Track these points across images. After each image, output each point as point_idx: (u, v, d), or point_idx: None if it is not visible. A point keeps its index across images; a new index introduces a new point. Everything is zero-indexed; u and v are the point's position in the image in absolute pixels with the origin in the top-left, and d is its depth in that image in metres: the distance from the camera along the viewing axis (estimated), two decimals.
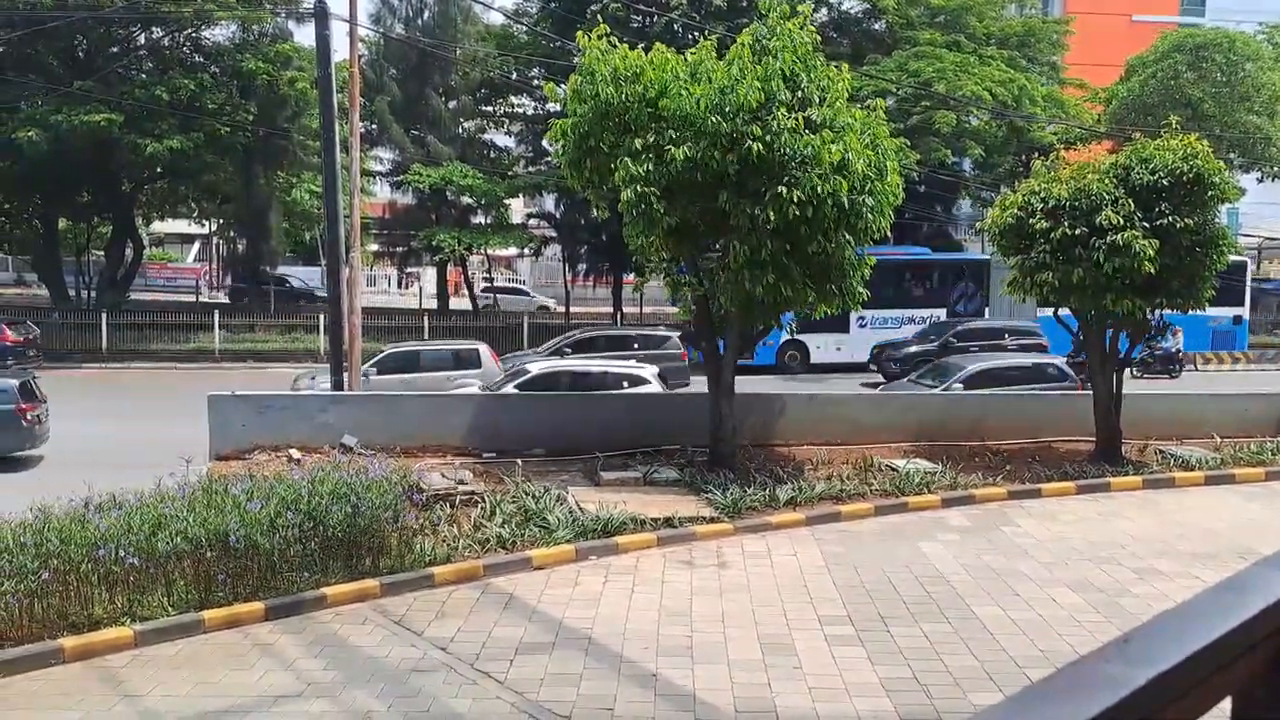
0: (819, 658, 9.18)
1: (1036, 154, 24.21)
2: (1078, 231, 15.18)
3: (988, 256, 34.40)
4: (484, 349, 22.76)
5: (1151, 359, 30.19)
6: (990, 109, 34.04)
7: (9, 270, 56.36)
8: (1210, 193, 15.47)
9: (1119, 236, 14.72)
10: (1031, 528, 13.71)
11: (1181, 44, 39.45)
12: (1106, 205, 15.08)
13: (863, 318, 29.35)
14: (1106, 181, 15.55)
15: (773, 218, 12.98)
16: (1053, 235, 15.34)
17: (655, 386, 18.45)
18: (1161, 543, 13.08)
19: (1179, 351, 30.18)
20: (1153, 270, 14.82)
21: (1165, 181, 15.27)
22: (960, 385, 18.94)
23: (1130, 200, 15.15)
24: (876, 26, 39.80)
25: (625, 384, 18.33)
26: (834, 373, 29.14)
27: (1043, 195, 15.82)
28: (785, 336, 29.79)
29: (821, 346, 30.16)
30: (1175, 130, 16.19)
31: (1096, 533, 13.53)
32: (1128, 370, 28.80)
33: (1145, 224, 15.02)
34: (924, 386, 19.60)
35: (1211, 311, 32.46)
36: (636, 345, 24.77)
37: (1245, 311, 33.47)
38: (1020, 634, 9.79)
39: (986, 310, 32.76)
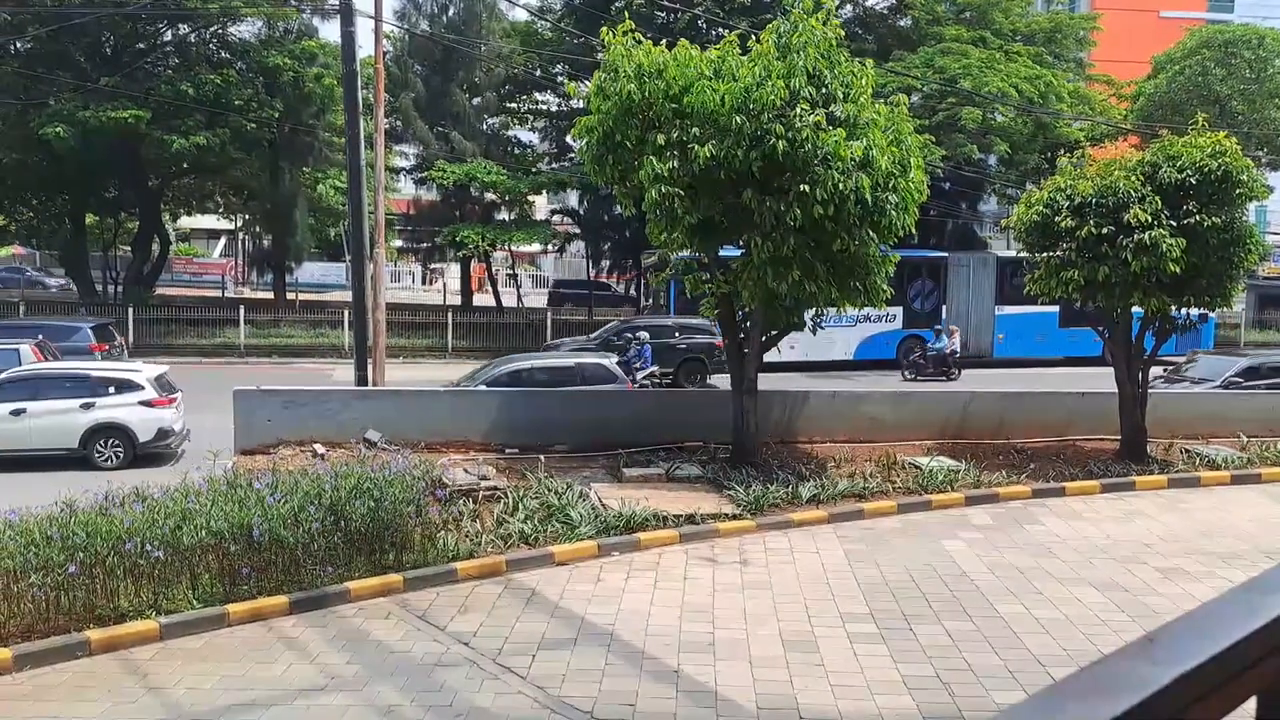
0: (841, 655, 9.16)
1: (1063, 151, 24.08)
2: (1104, 229, 15.07)
3: (945, 254, 34.00)
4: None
5: (924, 360, 28.76)
6: (1016, 105, 33.82)
7: (36, 265, 56.96)
8: (1238, 190, 15.30)
9: (1146, 235, 14.60)
10: (1055, 526, 13.63)
11: (1209, 40, 39.10)
12: (1133, 203, 14.96)
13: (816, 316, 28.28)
14: (1133, 179, 15.42)
15: (799, 215, 12.95)
16: (1078, 233, 15.23)
17: (150, 394, 16.53)
18: (1187, 542, 12.97)
19: (954, 353, 28.79)
20: (1178, 269, 14.69)
21: (1193, 179, 15.12)
22: (484, 385, 17.70)
23: (1157, 198, 15.02)
24: (902, 23, 39.64)
25: (112, 389, 16.42)
26: (774, 371, 26.39)
27: (1068, 193, 15.71)
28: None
29: None
30: (1203, 127, 16.03)
31: (1121, 532, 13.44)
32: (900, 374, 27.51)
33: (1172, 222, 14.89)
34: (466, 384, 18.30)
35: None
36: (42, 335, 22.51)
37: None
38: (1044, 633, 9.73)
39: (944, 308, 32.21)
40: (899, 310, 30.78)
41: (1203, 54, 38.68)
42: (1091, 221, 15.14)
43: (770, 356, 28.80)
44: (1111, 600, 10.71)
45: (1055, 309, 32.28)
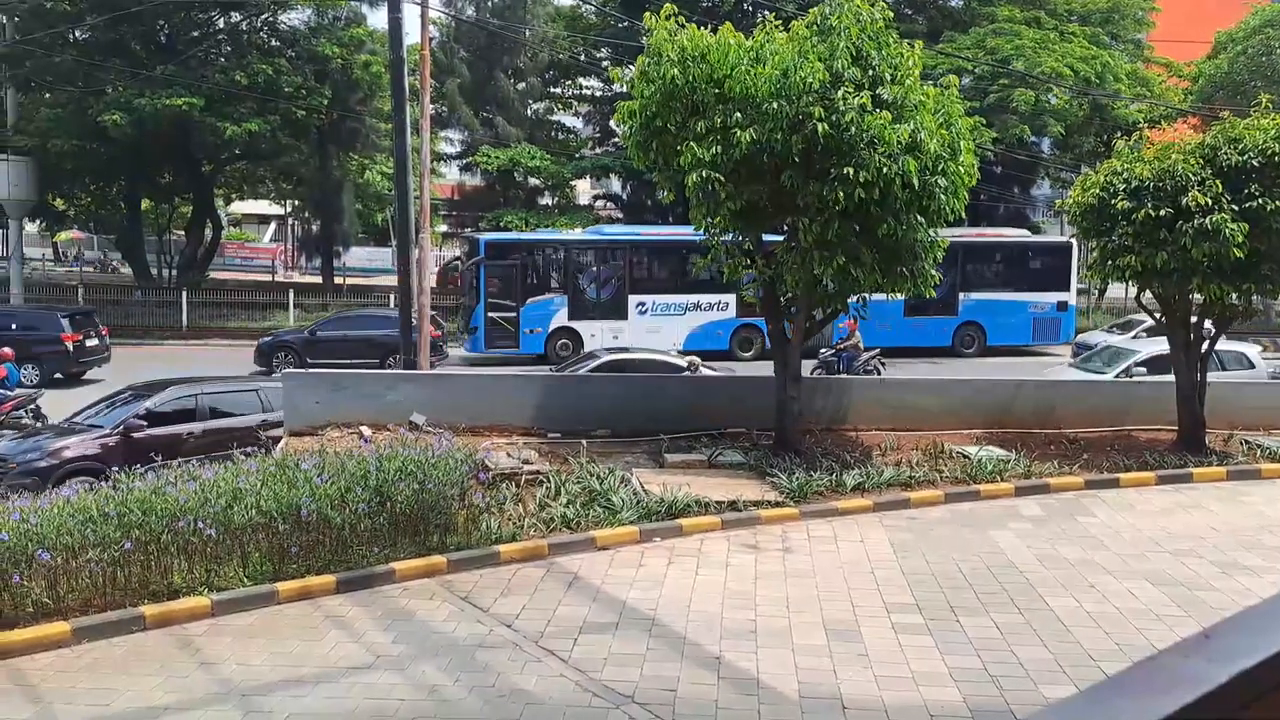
0: (885, 645, 9.08)
1: (1119, 133, 23.62)
2: (1162, 213, 14.71)
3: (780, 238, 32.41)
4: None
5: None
6: (1071, 87, 33.24)
7: (94, 249, 58.26)
8: None
9: (1207, 219, 14.22)
10: (1108, 518, 13.40)
11: (1274, 19, 38.13)
12: (1193, 186, 14.57)
13: (643, 304, 26.94)
14: (1192, 162, 15.03)
15: (841, 198, 12.80)
16: (1135, 217, 14.89)
17: None
18: (1246, 536, 12.68)
19: None
20: (1241, 255, 14.32)
21: (1255, 162, 14.70)
22: None
23: (1218, 181, 14.64)
24: (953, 3, 39.23)
25: None
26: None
27: (1125, 175, 15.35)
28: (556, 324, 27.72)
29: (596, 335, 27.30)
30: (1266, 108, 15.61)
31: (1177, 524, 13.17)
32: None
33: (1234, 206, 14.51)
34: None
35: (1032, 297, 30.73)
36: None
37: (1071, 297, 31.06)
38: (1095, 627, 9.57)
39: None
40: (732, 298, 26.99)
41: (1267, 33, 37.73)
42: (1149, 205, 14.78)
43: (590, 345, 26.78)
44: (1166, 594, 10.50)
45: (900, 297, 30.95)
